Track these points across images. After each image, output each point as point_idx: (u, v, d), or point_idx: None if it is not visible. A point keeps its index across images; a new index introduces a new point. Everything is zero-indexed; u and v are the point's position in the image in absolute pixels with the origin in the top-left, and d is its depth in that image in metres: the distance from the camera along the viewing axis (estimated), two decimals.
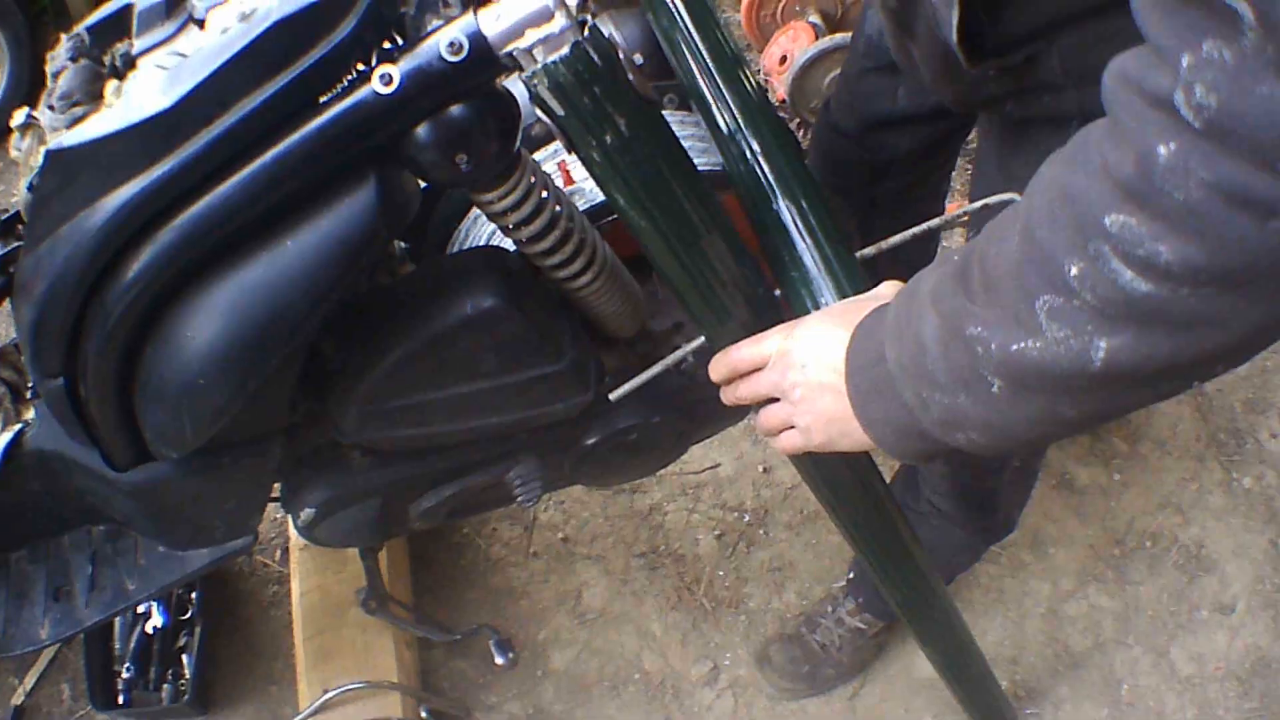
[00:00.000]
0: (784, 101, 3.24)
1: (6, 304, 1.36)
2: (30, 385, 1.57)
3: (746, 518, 2.81)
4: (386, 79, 1.09)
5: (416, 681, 2.48)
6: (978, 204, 1.41)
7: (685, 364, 1.42)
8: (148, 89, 1.13)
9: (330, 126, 1.11)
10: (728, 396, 1.31)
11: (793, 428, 1.22)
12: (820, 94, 3.20)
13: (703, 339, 1.35)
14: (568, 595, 2.71)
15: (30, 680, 2.55)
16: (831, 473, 1.55)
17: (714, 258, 1.25)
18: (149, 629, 2.48)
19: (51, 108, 1.26)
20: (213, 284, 1.18)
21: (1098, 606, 2.70)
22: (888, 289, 1.20)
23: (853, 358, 1.11)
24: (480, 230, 1.63)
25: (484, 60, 1.09)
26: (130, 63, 1.26)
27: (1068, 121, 1.35)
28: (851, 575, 2.52)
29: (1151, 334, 0.83)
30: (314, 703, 2.27)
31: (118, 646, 2.47)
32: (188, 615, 2.51)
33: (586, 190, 1.58)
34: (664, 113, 1.57)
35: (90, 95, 1.26)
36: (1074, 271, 0.83)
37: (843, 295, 1.31)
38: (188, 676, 2.46)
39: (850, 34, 3.12)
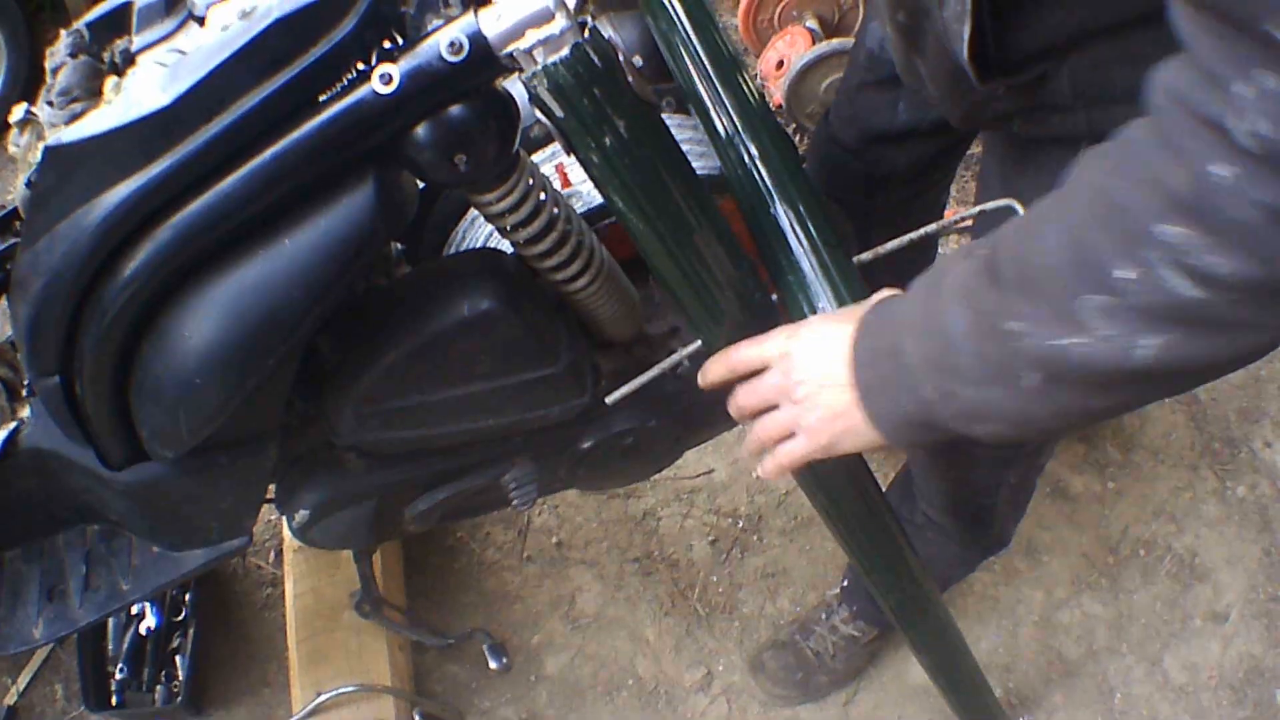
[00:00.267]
0: (781, 106, 3.24)
1: (3, 301, 1.35)
2: (26, 383, 1.56)
3: (740, 524, 2.80)
4: (386, 78, 1.08)
5: (410, 685, 2.48)
6: (974, 209, 1.42)
7: (681, 368, 1.42)
8: (147, 86, 1.13)
9: (329, 125, 1.10)
10: (731, 406, 1.31)
11: (791, 436, 1.23)
12: (817, 99, 3.21)
13: (699, 343, 1.35)
14: (561, 600, 2.71)
15: (23, 680, 2.55)
16: (827, 478, 1.55)
17: (711, 261, 1.26)
18: (143, 630, 2.48)
19: (50, 104, 1.25)
20: (210, 283, 1.18)
21: (1091, 614, 2.70)
22: (887, 295, 1.20)
23: (860, 353, 1.13)
24: (477, 231, 1.62)
25: (484, 61, 1.08)
26: (130, 59, 1.26)
27: (1075, 141, 1.35)
28: (846, 583, 2.51)
29: (1195, 335, 0.87)
30: (307, 705, 2.26)
31: (111, 647, 2.47)
32: (181, 616, 2.51)
33: (584, 193, 1.58)
34: (662, 116, 1.58)
35: (89, 91, 1.26)
36: (1121, 274, 0.86)
37: (840, 300, 1.31)
38: (181, 678, 2.46)
39: (846, 39, 3.16)
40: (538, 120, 1.11)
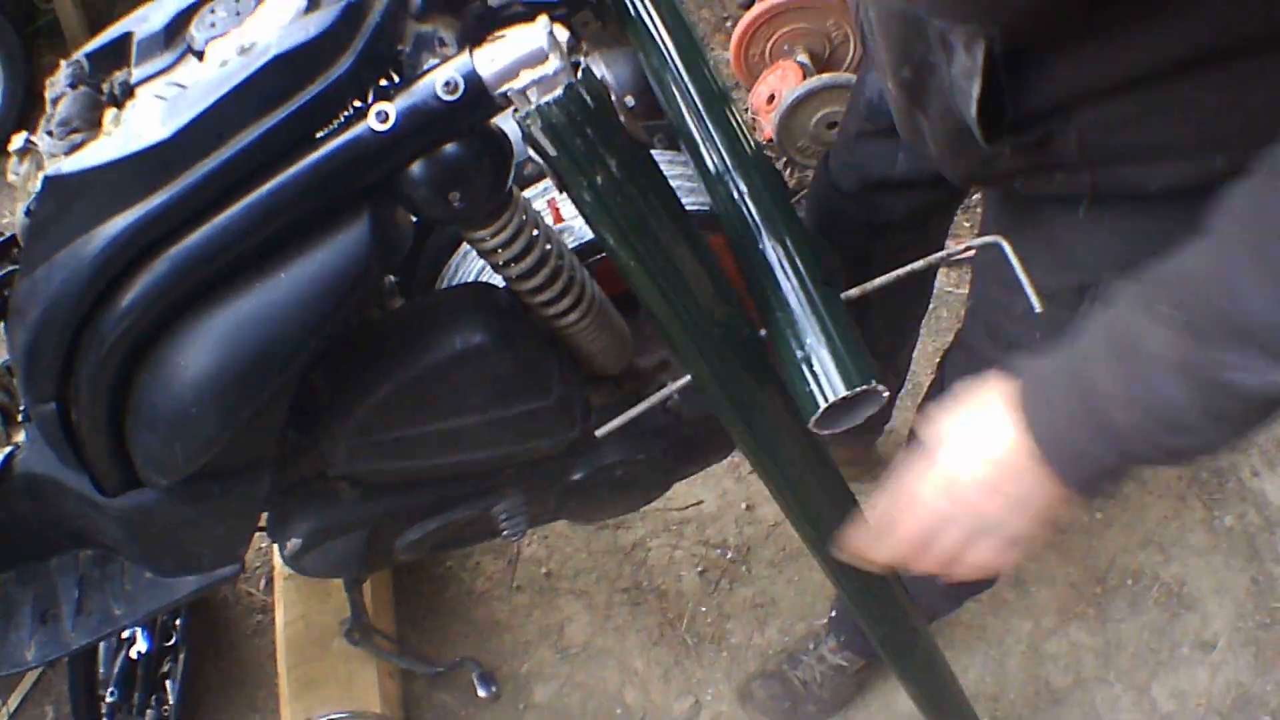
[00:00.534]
0: (771, 140, 3.25)
1: (1, 327, 1.36)
2: (22, 408, 1.57)
3: (729, 554, 2.81)
4: (382, 116, 1.10)
5: (399, 713, 2.48)
6: (962, 247, 1.43)
7: (671, 401, 1.43)
8: (146, 119, 1.14)
9: (326, 162, 1.12)
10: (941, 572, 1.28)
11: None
12: (808, 133, 3.22)
13: (688, 378, 1.36)
14: (550, 629, 2.71)
15: (14, 702, 2.55)
16: (814, 511, 1.56)
17: (700, 298, 1.27)
18: (134, 654, 2.46)
19: (50, 134, 1.26)
20: (207, 314, 1.19)
21: (1079, 644, 2.71)
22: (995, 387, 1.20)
23: (1044, 437, 1.13)
24: (470, 266, 1.64)
25: (479, 100, 1.10)
26: (129, 91, 1.28)
27: (1077, 201, 1.39)
28: (834, 614, 2.52)
29: None
30: None
31: (102, 670, 2.45)
32: (172, 642, 2.50)
33: (575, 228, 1.59)
34: (654, 152, 1.60)
35: (89, 123, 1.27)
36: None
37: (827, 335, 1.31)
38: (171, 703, 2.45)
39: (838, 74, 3.16)
40: (530, 158, 1.12)
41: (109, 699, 2.41)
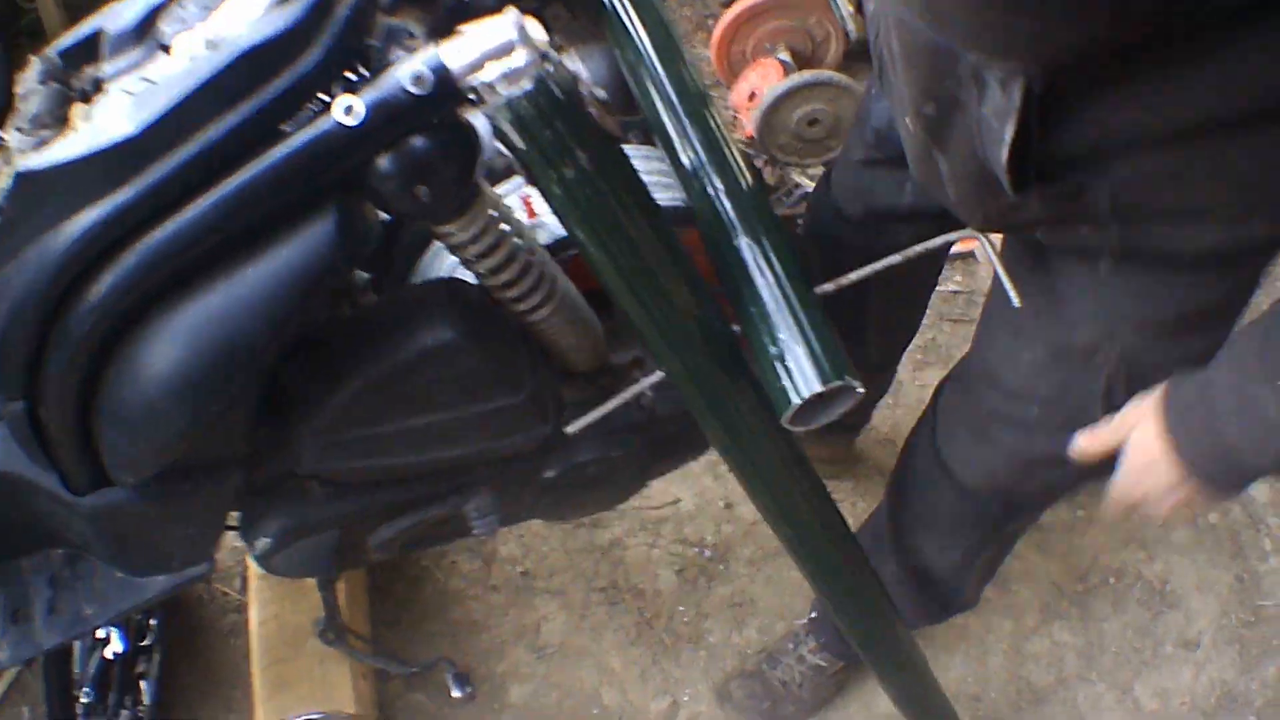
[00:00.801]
0: (752, 138, 3.25)
1: None
2: None
3: (707, 553, 2.79)
4: (349, 110, 1.08)
5: (374, 713, 2.46)
6: (938, 240, 1.42)
7: (645, 398, 1.42)
8: (114, 114, 1.13)
9: (292, 156, 1.11)
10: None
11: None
12: (789, 130, 3.22)
13: (661, 374, 1.35)
14: (527, 629, 2.69)
15: None
16: (790, 508, 1.55)
17: (673, 293, 1.26)
18: (108, 654, 2.43)
19: (20, 130, 1.25)
20: (173, 310, 1.18)
21: (1061, 643, 2.69)
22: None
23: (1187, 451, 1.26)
24: (441, 262, 1.62)
25: (447, 93, 1.09)
26: (99, 87, 1.26)
27: (1099, 256, 1.36)
28: (814, 614, 2.50)
29: None
30: None
31: (77, 670, 2.43)
32: (147, 642, 2.48)
33: (549, 223, 1.58)
34: (628, 148, 1.59)
35: (58, 119, 1.25)
36: None
37: (801, 331, 1.30)
38: (146, 703, 2.43)
39: (820, 71, 3.18)
40: (501, 152, 1.12)
41: (84, 699, 2.37)
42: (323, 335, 1.44)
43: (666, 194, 1.58)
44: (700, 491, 2.86)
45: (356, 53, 1.15)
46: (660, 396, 1.58)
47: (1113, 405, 1.45)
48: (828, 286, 1.36)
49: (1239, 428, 1.19)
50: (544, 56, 1.07)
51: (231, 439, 1.40)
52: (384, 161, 1.14)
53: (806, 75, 3.15)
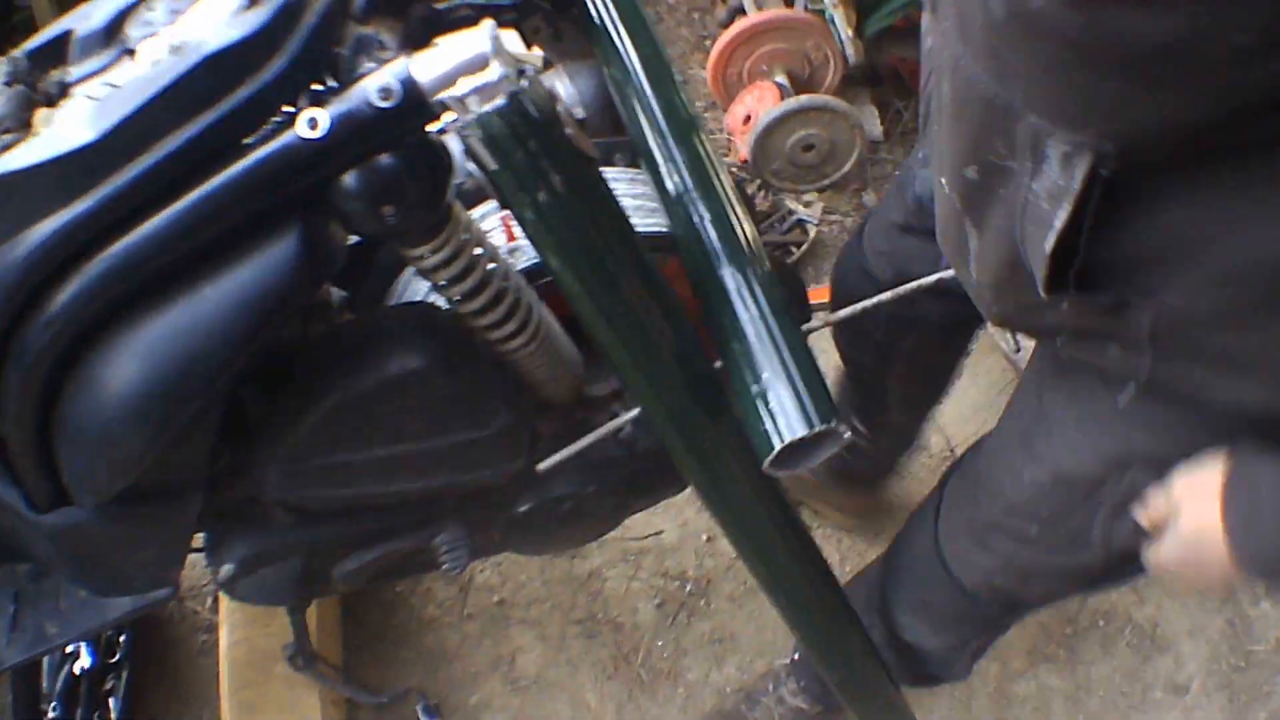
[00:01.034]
0: (746, 162, 3.21)
1: None
2: None
3: (688, 587, 2.74)
4: (313, 123, 1.04)
5: None
6: (933, 277, 1.37)
7: (624, 432, 1.38)
8: (75, 121, 1.09)
9: (253, 171, 1.06)
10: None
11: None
12: (783, 155, 3.18)
13: (639, 409, 1.30)
14: (501, 660, 2.64)
15: None
16: (767, 550, 1.52)
17: (649, 326, 1.21)
18: (77, 669, 2.42)
19: None
20: (130, 328, 1.13)
21: (1048, 686, 2.65)
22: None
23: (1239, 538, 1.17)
24: (419, 284, 1.58)
25: (416, 107, 1.04)
26: (64, 91, 1.22)
27: (1121, 384, 1.26)
28: (796, 655, 2.45)
29: None
30: None
31: (45, 685, 2.40)
32: (116, 658, 2.46)
33: (528, 248, 1.53)
34: (613, 170, 1.54)
35: (20, 122, 1.20)
36: None
37: (785, 370, 1.24)
38: None
39: (815, 96, 3.12)
40: (471, 173, 1.07)
41: (51, 715, 2.36)
42: (288, 357, 1.39)
43: (653, 219, 1.54)
44: (683, 523, 2.81)
45: (324, 62, 1.11)
46: (640, 430, 1.54)
47: (1112, 542, 1.42)
48: (814, 325, 1.30)
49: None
50: (520, 72, 1.03)
51: (192, 462, 1.36)
52: (349, 179, 1.09)
53: (803, 99, 3.10)
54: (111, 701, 2.42)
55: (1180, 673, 2.66)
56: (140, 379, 1.15)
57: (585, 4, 1.51)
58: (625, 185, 1.58)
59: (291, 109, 1.07)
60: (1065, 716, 2.61)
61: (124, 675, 2.44)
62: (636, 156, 1.55)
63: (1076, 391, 1.37)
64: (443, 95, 1.03)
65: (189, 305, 1.12)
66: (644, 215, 1.52)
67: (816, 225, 3.23)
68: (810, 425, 1.19)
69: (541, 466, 1.34)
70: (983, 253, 1.19)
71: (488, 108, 1.01)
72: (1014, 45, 0.94)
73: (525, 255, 1.52)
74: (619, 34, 1.50)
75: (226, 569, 1.61)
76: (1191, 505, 1.21)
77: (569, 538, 1.88)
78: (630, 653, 2.65)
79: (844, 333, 2.13)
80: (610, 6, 1.51)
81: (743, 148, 3.19)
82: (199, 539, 1.64)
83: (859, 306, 1.33)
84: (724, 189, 1.43)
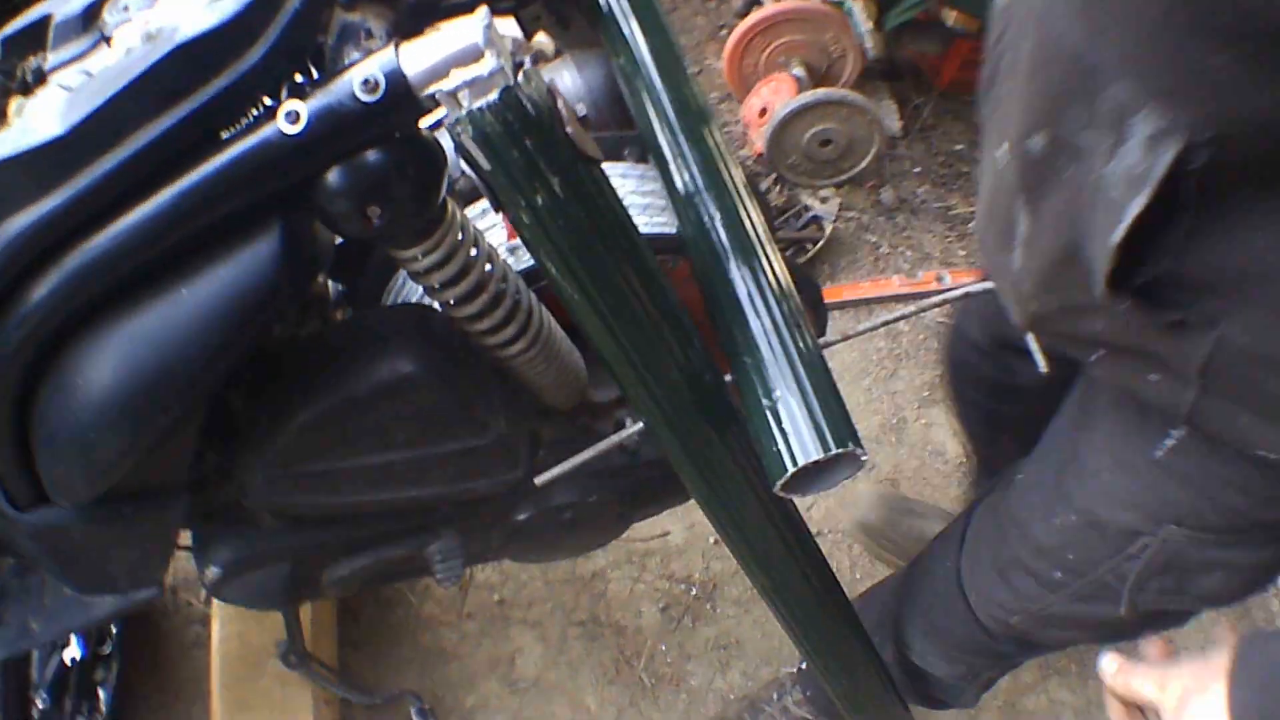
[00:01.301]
0: (761, 155, 3.18)
1: None
2: None
3: (694, 591, 2.70)
4: (293, 117, 0.97)
5: None
6: (959, 290, 1.30)
7: (629, 440, 1.32)
8: (46, 112, 1.03)
9: (231, 167, 0.99)
10: None
11: None
12: (799, 150, 3.15)
13: (641, 424, 1.24)
14: (500, 661, 2.60)
15: None
16: (770, 561, 1.48)
17: (656, 338, 1.15)
18: (67, 659, 2.40)
19: None
20: (105, 330, 1.08)
21: (1058, 701, 2.60)
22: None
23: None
24: (416, 284, 1.52)
25: (402, 101, 0.97)
26: (41, 78, 1.16)
27: (1165, 417, 1.17)
28: (803, 664, 2.40)
29: None
30: None
31: (35, 675, 2.38)
32: (106, 649, 2.44)
33: None
34: (621, 166, 1.47)
35: None
36: None
37: (799, 387, 1.17)
38: (103, 712, 2.39)
39: (833, 90, 3.09)
40: (464, 171, 1.00)
41: (40, 705, 2.35)
42: (277, 358, 1.35)
43: (660, 219, 1.48)
44: (690, 525, 2.76)
45: (307, 51, 1.04)
46: (645, 439, 1.47)
47: (1140, 599, 1.37)
48: (833, 338, 1.23)
49: None
50: (516, 65, 0.96)
51: (175, 466, 1.31)
52: (332, 177, 1.02)
53: (820, 93, 3.07)
54: (101, 693, 2.41)
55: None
56: (115, 383, 1.10)
57: None
58: (635, 182, 1.52)
59: (272, 101, 1.01)
60: None
61: (114, 667, 2.42)
62: (646, 152, 1.49)
63: (1113, 436, 1.30)
64: (433, 89, 0.96)
65: (165, 307, 1.07)
66: (653, 214, 1.46)
67: (832, 222, 3.18)
68: (826, 448, 1.12)
69: (540, 480, 1.28)
70: (1034, 238, 1.06)
71: (480, 103, 0.94)
72: None
73: (525, 255, 1.46)
74: (628, 22, 1.44)
75: (213, 571, 1.58)
76: (1200, 697, 1.14)
77: (569, 547, 1.83)
78: (633, 656, 2.61)
79: (955, 404, 2.09)
80: None
81: (758, 141, 3.16)
82: (188, 537, 1.62)
83: (877, 322, 1.26)
84: (737, 188, 1.37)
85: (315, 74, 1.02)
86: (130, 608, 1.57)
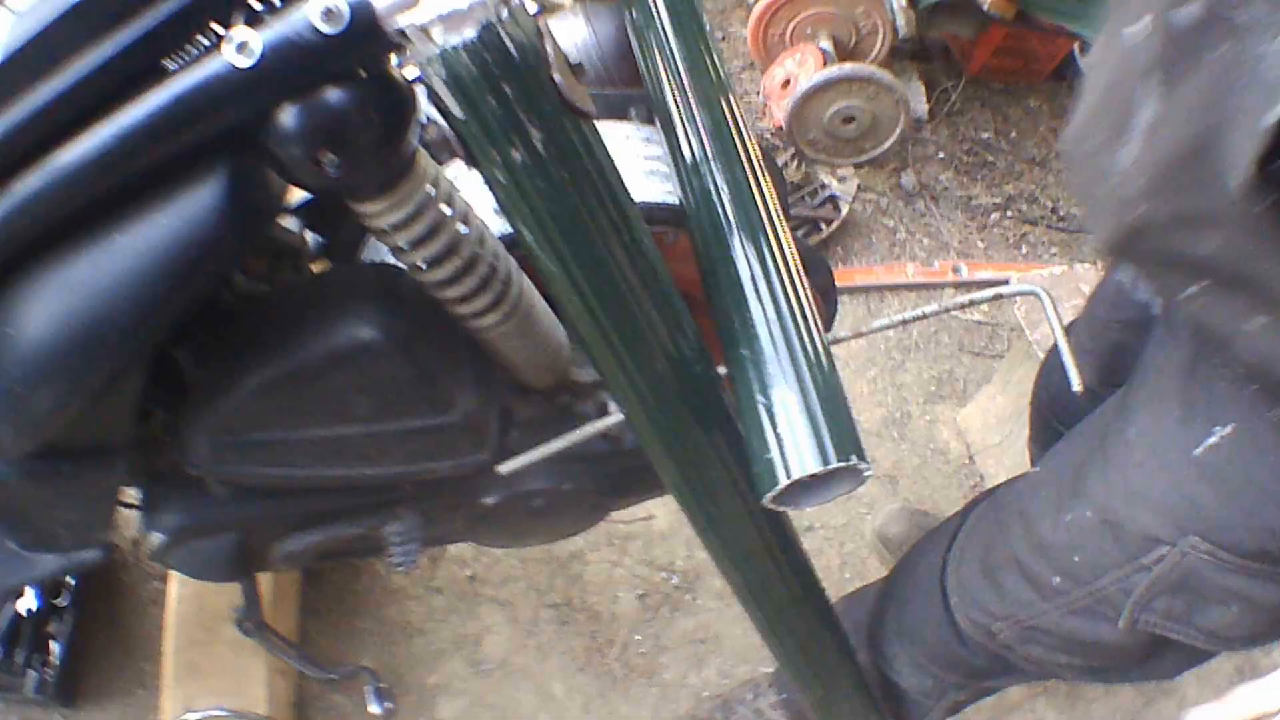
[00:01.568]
0: (781, 129, 3.11)
1: None
2: None
3: (675, 579, 2.62)
4: (244, 48, 0.87)
5: (289, 714, 2.33)
6: (989, 293, 1.19)
7: (611, 426, 1.22)
8: None
9: (173, 103, 0.91)
10: None
11: None
12: (821, 125, 3.09)
13: (620, 416, 1.13)
14: (466, 640, 2.52)
15: None
16: (747, 558, 1.41)
17: (641, 318, 1.06)
18: (22, 610, 2.34)
19: None
20: (36, 277, 1.02)
21: None
22: None
23: None
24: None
25: (368, 35, 0.87)
26: None
27: (1212, 421, 1.13)
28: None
29: None
30: None
31: None
32: (61, 601, 2.38)
33: None
34: (626, 125, 1.37)
35: None
36: None
37: (800, 388, 1.05)
38: (55, 665, 2.33)
39: (859, 65, 3.03)
40: (431, 119, 0.89)
41: None
42: (231, 314, 1.27)
43: (661, 186, 1.39)
44: (676, 510, 2.63)
45: None
46: (626, 429, 1.38)
47: (1142, 618, 1.29)
48: (843, 335, 1.11)
49: None
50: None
51: (117, 424, 1.26)
52: (283, 117, 0.92)
53: (846, 68, 3.01)
54: (54, 645, 2.35)
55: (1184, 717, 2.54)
56: (45, 334, 1.04)
57: None
58: (639, 144, 1.44)
59: (222, 30, 0.91)
60: None
61: (69, 620, 2.36)
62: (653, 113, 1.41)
63: (1149, 429, 1.22)
64: (402, 22, 0.85)
65: (99, 255, 1.01)
66: (658, 181, 1.36)
67: (849, 202, 3.13)
68: (825, 460, 1.01)
69: (503, 469, 1.17)
70: (1161, 123, 0.94)
71: (455, 40, 0.84)
72: None
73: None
74: None
75: (158, 538, 1.52)
76: None
77: (540, 534, 1.75)
78: (605, 644, 2.54)
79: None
80: None
81: (779, 113, 3.10)
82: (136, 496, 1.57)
83: (896, 319, 1.16)
84: (749, 159, 1.28)
85: (277, 2, 0.92)
86: (74, 567, 1.55)
